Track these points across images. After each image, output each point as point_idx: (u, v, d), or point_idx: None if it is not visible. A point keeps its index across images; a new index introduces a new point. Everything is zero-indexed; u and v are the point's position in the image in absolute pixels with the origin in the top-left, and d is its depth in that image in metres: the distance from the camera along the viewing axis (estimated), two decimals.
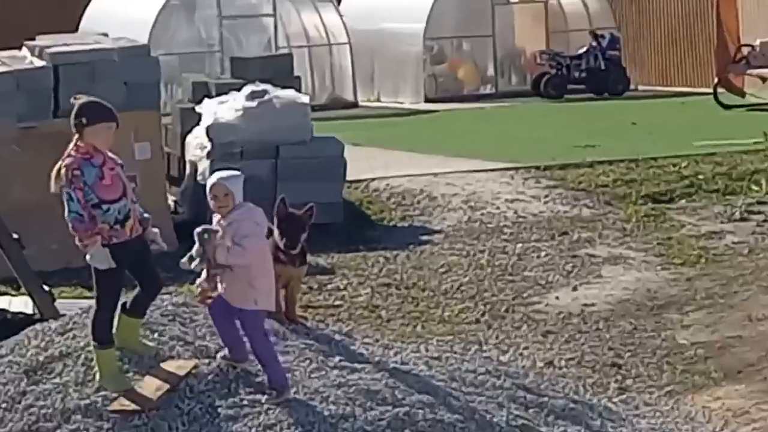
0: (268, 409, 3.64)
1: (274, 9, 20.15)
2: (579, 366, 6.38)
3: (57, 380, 3.78)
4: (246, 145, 10.24)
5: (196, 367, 3.81)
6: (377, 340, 5.15)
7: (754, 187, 11.07)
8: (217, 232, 3.75)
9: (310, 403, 3.70)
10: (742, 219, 10.17)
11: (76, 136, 3.69)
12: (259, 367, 3.79)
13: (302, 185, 9.44)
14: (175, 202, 10.95)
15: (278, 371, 3.76)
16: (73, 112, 3.73)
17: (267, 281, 3.82)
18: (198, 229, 3.81)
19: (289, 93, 10.97)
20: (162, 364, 3.80)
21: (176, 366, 3.80)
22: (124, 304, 3.79)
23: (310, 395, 3.74)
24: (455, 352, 5.26)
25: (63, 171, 3.61)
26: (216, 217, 3.84)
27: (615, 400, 5.64)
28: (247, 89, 10.65)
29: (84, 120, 3.66)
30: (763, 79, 17.81)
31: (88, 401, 3.65)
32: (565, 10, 22.69)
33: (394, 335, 6.67)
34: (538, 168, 12.18)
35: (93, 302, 3.88)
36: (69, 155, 3.66)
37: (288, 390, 3.74)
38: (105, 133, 3.71)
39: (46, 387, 3.75)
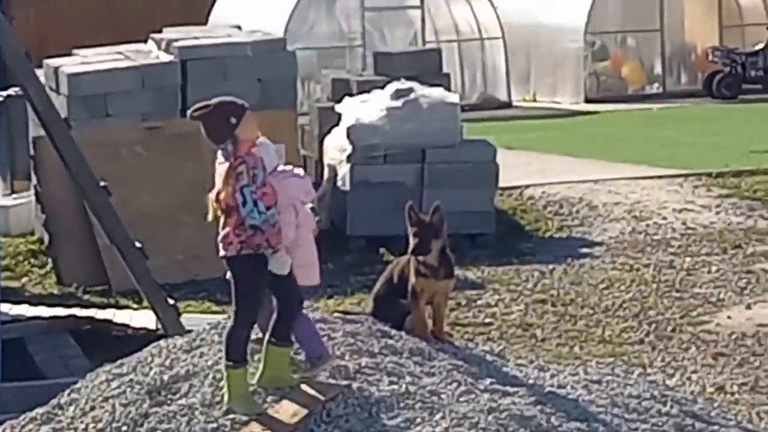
0: None
1: (422, 1, 19.53)
2: (753, 392, 6.01)
3: (182, 402, 3.62)
4: (390, 149, 9.92)
5: (341, 391, 3.59)
6: (531, 362, 4.91)
7: None
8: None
9: (457, 429, 3.47)
10: None
11: (230, 145, 3.47)
12: (401, 393, 3.62)
13: (450, 192, 9.20)
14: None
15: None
16: (211, 123, 3.53)
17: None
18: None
19: (437, 92, 10.62)
20: (302, 386, 3.60)
21: (317, 389, 3.59)
22: (271, 336, 3.58)
23: (458, 421, 3.52)
24: (617, 376, 4.90)
25: (243, 170, 3.35)
26: None
27: None
28: (392, 87, 10.35)
29: (233, 120, 3.43)
30: None
31: (215, 425, 3.48)
32: (741, 3, 21.33)
33: (549, 356, 6.47)
34: (709, 175, 11.71)
35: (230, 317, 3.70)
36: (238, 157, 3.39)
37: (327, 354, 3.67)
38: (252, 122, 3.49)
39: (170, 409, 3.60)
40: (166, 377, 3.78)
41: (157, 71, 10.01)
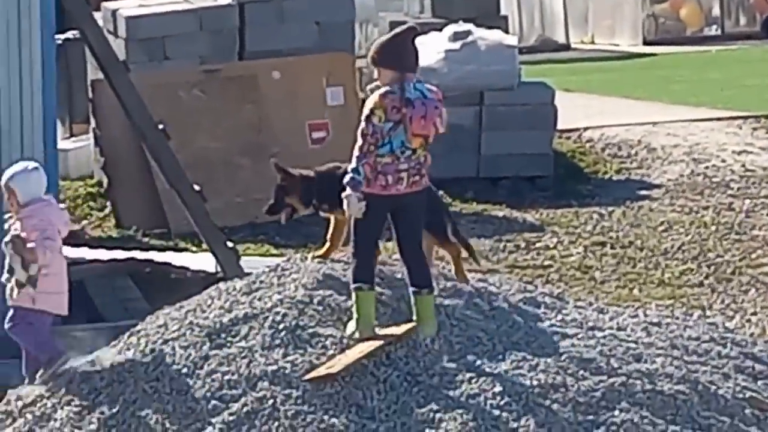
0: (471, 378, 3.47)
1: None
2: None
3: (242, 344, 3.62)
4: (448, 91, 9.59)
5: (410, 331, 3.60)
6: (591, 304, 4.83)
7: None
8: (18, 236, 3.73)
9: (516, 371, 3.49)
10: None
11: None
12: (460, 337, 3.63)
13: (508, 135, 9.20)
14: None
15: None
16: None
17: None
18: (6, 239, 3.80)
19: (495, 34, 10.52)
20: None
21: (391, 331, 3.63)
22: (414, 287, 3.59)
23: (518, 363, 3.53)
24: (676, 318, 4.83)
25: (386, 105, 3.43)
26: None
27: None
28: (450, 30, 10.29)
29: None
30: None
31: (275, 367, 3.49)
32: None
33: (609, 298, 6.46)
34: None
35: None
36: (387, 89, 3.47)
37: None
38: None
39: (230, 351, 3.61)
40: (225, 320, 3.78)
41: (216, 14, 9.94)
